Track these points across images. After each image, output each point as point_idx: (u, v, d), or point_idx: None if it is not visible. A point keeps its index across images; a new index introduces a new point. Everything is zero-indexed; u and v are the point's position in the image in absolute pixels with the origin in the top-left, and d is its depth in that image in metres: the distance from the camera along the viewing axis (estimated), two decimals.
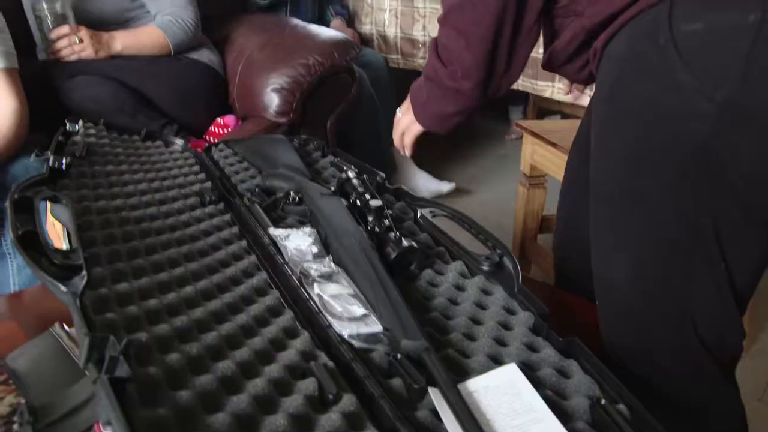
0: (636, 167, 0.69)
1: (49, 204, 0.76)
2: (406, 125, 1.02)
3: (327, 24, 2.36)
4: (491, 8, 0.79)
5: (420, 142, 1.06)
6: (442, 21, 0.87)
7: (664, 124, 0.64)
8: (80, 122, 1.04)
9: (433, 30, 2.16)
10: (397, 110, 1.06)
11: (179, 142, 1.22)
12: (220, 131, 1.69)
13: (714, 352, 0.72)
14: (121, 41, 1.63)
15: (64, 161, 0.84)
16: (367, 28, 2.42)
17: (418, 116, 0.98)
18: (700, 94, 0.59)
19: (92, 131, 1.07)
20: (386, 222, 0.83)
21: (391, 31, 2.32)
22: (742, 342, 0.74)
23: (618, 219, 0.73)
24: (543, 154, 1.63)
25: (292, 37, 1.77)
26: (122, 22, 1.72)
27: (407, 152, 1.07)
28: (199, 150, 1.23)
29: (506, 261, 0.80)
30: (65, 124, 1.01)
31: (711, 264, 0.67)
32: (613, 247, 0.75)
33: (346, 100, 1.78)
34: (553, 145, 1.55)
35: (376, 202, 0.87)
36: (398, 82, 2.37)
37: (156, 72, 1.65)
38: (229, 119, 1.70)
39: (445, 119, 0.95)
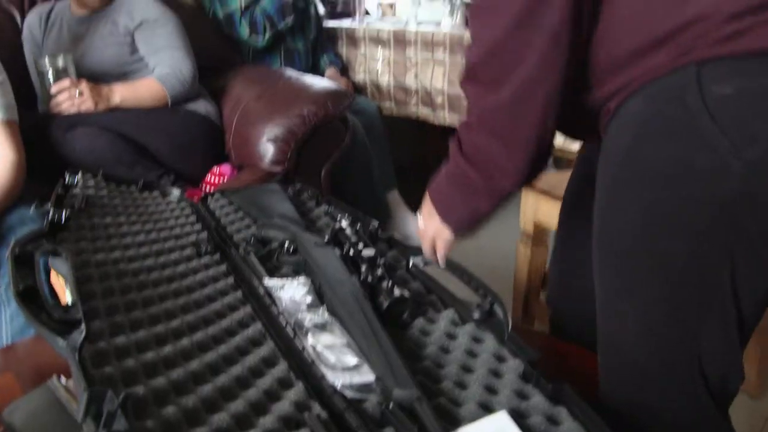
0: (658, 226, 0.68)
1: (48, 258, 0.78)
2: (434, 233, 0.89)
3: (321, 73, 2.41)
4: (539, 106, 0.71)
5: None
6: (472, 125, 0.78)
7: (693, 183, 0.65)
8: (79, 174, 1.07)
9: (425, 78, 2.22)
10: (418, 217, 0.94)
11: (176, 191, 1.24)
12: (217, 180, 1.72)
13: (717, 394, 0.73)
14: (120, 94, 1.67)
15: (63, 214, 0.86)
16: (360, 76, 2.48)
17: (448, 222, 0.87)
18: (731, 153, 0.61)
19: (91, 183, 1.10)
20: (379, 271, 0.85)
21: (384, 80, 2.37)
22: (741, 381, 0.74)
23: (631, 276, 0.73)
24: (549, 210, 1.54)
25: (287, 87, 1.81)
26: (121, 74, 1.76)
27: (442, 263, 0.92)
28: (195, 199, 1.26)
29: (497, 309, 0.81)
30: (65, 177, 1.04)
31: (725, 314, 0.68)
32: (622, 302, 0.75)
33: (339, 149, 1.82)
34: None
35: (368, 252, 0.89)
36: (391, 129, 2.42)
37: (154, 123, 1.68)
38: (225, 168, 1.74)
39: (479, 218, 0.84)
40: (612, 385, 0.79)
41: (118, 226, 0.95)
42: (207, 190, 1.72)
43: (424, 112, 2.23)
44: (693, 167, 0.64)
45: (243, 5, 2.18)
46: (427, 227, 0.90)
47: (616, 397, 0.78)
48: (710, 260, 0.67)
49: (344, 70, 2.51)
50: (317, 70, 2.42)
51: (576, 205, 1.00)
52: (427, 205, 0.89)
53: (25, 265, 0.71)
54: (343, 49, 2.54)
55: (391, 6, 2.82)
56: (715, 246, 0.66)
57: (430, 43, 2.17)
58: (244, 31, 2.18)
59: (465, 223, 0.86)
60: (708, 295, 0.68)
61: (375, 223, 1.08)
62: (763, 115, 0.60)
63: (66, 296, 0.82)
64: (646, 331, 0.73)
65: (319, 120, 1.69)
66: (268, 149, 1.69)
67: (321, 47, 2.49)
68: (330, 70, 2.43)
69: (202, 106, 1.82)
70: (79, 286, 0.70)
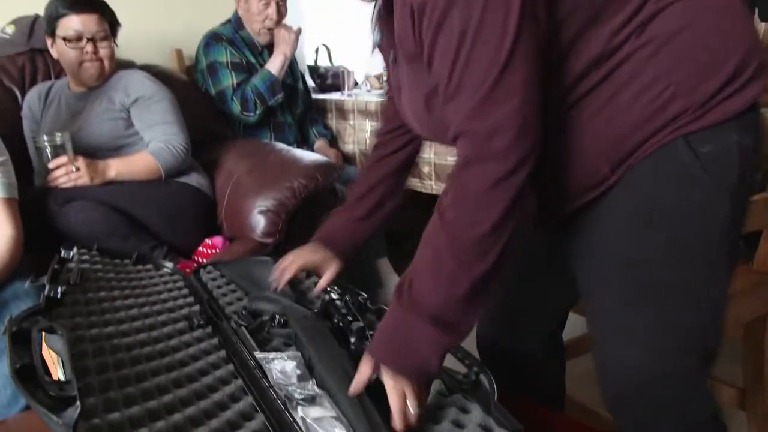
0: (679, 259, 0.83)
1: (44, 334, 0.79)
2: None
3: (311, 145, 2.48)
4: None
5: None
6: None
7: (700, 217, 0.82)
8: (75, 249, 1.10)
9: None
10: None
11: (169, 265, 1.27)
12: (209, 251, 1.75)
13: (706, 369, 0.90)
14: (116, 168, 1.72)
15: (59, 290, 0.88)
16: (349, 147, 2.55)
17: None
18: (719, 187, 0.81)
19: (86, 257, 1.12)
20: (367, 343, 0.87)
21: None
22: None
23: (648, 308, 0.85)
24: None
25: (278, 161, 1.87)
26: (117, 148, 1.82)
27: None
28: (188, 271, 1.28)
29: (483, 379, 0.84)
30: (60, 252, 1.06)
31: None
32: (634, 335, 0.85)
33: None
34: None
35: (357, 324, 0.91)
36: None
37: (147, 196, 1.72)
38: (217, 240, 1.77)
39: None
40: (618, 410, 0.90)
41: (113, 300, 0.97)
42: (199, 262, 1.74)
43: (411, 181, 2.29)
44: (697, 204, 0.82)
45: (234, 83, 2.25)
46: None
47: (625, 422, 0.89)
48: (716, 272, 0.85)
49: (334, 141, 2.59)
50: (307, 142, 2.49)
51: (524, 275, 1.08)
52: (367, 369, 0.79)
53: (21, 342, 0.73)
54: (333, 121, 2.62)
55: (378, 78, 2.92)
56: (718, 261, 0.84)
57: None
58: (236, 107, 2.25)
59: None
60: (710, 301, 0.85)
61: (364, 295, 1.10)
62: (736, 159, 0.81)
63: (57, 370, 0.83)
64: (659, 361, 0.84)
65: (309, 192, 1.74)
66: (259, 221, 1.73)
67: (310, 120, 2.57)
68: (319, 142, 2.49)
69: (194, 179, 1.86)
70: (74, 362, 0.72)
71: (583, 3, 0.77)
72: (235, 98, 2.24)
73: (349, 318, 0.93)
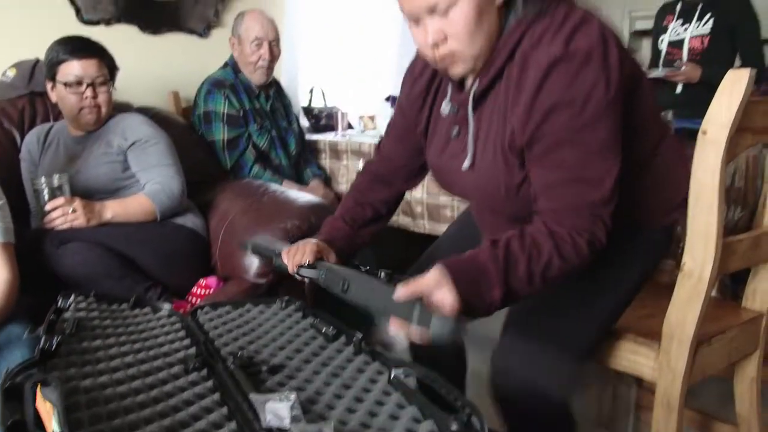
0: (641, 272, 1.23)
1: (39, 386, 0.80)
2: (439, 298, 0.94)
3: (306, 184, 2.51)
4: None
5: None
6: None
7: (656, 254, 1.26)
8: (72, 297, 1.11)
9: None
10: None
11: (166, 306, 1.28)
12: (203, 292, 1.76)
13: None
14: (112, 210, 1.74)
15: (54, 341, 0.89)
16: (343, 186, 2.58)
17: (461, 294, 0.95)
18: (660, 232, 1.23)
19: (83, 305, 1.13)
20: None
21: None
22: None
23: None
24: None
25: (272, 202, 1.89)
26: (114, 190, 1.84)
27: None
28: (184, 311, 1.30)
29: (474, 420, 0.84)
30: (57, 300, 1.07)
31: None
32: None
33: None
34: None
35: (386, 271, 1.05)
36: (374, 235, 2.48)
37: (142, 237, 1.74)
38: (211, 281, 1.78)
39: (486, 307, 0.99)
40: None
41: (108, 348, 0.98)
42: (194, 302, 1.75)
43: (404, 221, 2.31)
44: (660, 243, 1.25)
45: (226, 138, 2.31)
46: (433, 293, 0.95)
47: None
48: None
49: (328, 180, 2.62)
50: (302, 182, 2.52)
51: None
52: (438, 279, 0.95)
53: (14, 397, 0.73)
54: (327, 161, 2.66)
55: (372, 118, 2.97)
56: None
57: None
58: (226, 162, 2.31)
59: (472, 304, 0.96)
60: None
61: (359, 335, 1.12)
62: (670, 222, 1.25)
63: (53, 422, 0.83)
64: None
65: (303, 233, 1.75)
66: (253, 262, 1.74)
67: (304, 160, 2.61)
68: (314, 182, 2.52)
69: (189, 220, 1.88)
70: (68, 415, 0.73)
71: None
72: (227, 154, 2.28)
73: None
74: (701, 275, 1.18)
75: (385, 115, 2.63)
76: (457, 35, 1.00)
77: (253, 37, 2.34)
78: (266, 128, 2.41)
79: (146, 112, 2.23)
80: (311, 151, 2.68)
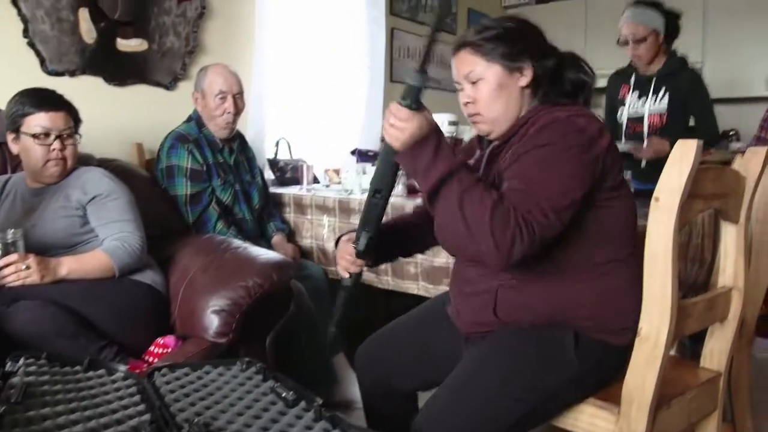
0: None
1: None
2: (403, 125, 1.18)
3: (269, 239, 2.48)
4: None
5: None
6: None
7: (604, 373, 1.34)
8: (22, 360, 1.07)
9: None
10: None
11: (122, 368, 1.24)
12: (160, 351, 1.71)
13: None
14: (68, 266, 1.70)
15: None
16: (307, 241, 2.58)
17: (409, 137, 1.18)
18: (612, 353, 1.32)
19: (33, 368, 1.09)
20: None
21: (330, 245, 2.47)
22: None
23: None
24: None
25: (233, 259, 1.87)
26: (71, 246, 1.80)
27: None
28: (140, 372, 1.26)
29: None
30: (4, 365, 1.03)
31: None
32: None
33: (284, 317, 1.85)
34: None
35: None
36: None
37: (98, 294, 1.69)
38: (169, 340, 1.73)
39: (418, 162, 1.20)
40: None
41: (57, 416, 0.94)
42: (151, 362, 1.70)
43: (368, 276, 2.31)
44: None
45: (188, 193, 2.28)
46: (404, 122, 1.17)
47: None
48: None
49: (291, 235, 2.61)
50: (265, 237, 2.50)
51: None
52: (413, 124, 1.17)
53: None
54: (291, 215, 2.65)
55: (337, 172, 2.99)
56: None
57: None
58: (188, 218, 2.27)
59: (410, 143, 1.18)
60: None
61: (319, 401, 1.10)
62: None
63: None
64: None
65: (265, 291, 1.74)
66: (212, 321, 1.70)
67: (268, 214, 2.59)
68: (277, 237, 2.50)
69: (148, 276, 1.84)
70: None
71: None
72: (189, 209, 2.26)
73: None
74: (657, 339, 1.20)
75: (350, 169, 2.65)
76: (480, 101, 1.32)
77: (217, 90, 2.34)
78: (230, 182, 2.39)
79: (108, 163, 2.21)
80: (275, 204, 2.68)
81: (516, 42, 1.30)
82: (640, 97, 2.72)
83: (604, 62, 2.95)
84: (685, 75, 2.64)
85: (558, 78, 1.33)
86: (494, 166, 1.33)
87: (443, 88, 4.31)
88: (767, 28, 4.06)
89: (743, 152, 1.46)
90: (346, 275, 1.41)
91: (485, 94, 1.31)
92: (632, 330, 1.25)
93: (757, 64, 4.11)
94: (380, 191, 1.25)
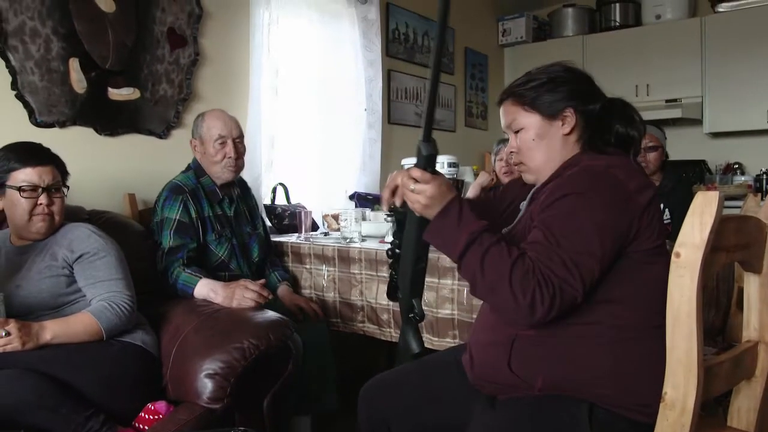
0: None
1: None
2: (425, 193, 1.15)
3: (273, 290, 2.35)
4: None
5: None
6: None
7: None
8: None
9: (370, 295, 2.23)
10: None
11: None
12: (151, 418, 1.61)
13: None
14: (52, 331, 1.60)
15: None
16: (306, 291, 2.48)
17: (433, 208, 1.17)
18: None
19: None
20: None
21: (330, 296, 2.38)
22: None
23: None
24: None
25: (227, 318, 1.77)
26: (56, 307, 1.72)
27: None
28: None
29: None
30: None
31: None
32: None
33: (282, 377, 1.75)
34: None
35: None
36: (338, 339, 2.37)
37: (85, 359, 1.60)
38: (160, 406, 1.63)
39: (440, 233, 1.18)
40: None
41: None
42: (141, 429, 1.60)
43: (370, 328, 2.22)
44: None
45: (170, 245, 2.12)
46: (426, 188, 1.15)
47: None
48: None
49: (292, 285, 2.49)
50: (270, 286, 2.37)
51: None
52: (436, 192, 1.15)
53: None
54: (289, 264, 2.56)
55: (336, 218, 2.90)
56: None
57: (374, 261, 2.22)
58: (159, 266, 2.11)
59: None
60: None
61: None
62: None
63: None
64: None
65: (261, 353, 1.64)
66: (206, 386, 1.60)
67: (271, 263, 2.48)
68: (282, 288, 2.39)
69: (138, 337, 1.75)
70: None
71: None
72: (163, 259, 2.11)
73: None
74: (684, 406, 1.10)
75: (349, 216, 2.56)
76: (521, 150, 1.34)
77: (216, 135, 2.25)
78: (226, 237, 2.27)
79: (100, 215, 2.15)
80: (277, 253, 2.58)
81: (558, 89, 1.30)
82: None
83: None
84: (677, 192, 2.70)
85: (604, 126, 1.32)
86: (532, 207, 1.30)
87: (443, 129, 4.29)
88: (765, 62, 4.05)
89: (750, 184, 1.41)
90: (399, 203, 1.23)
91: (526, 143, 1.32)
92: (655, 409, 1.14)
93: (758, 98, 4.08)
94: (422, 257, 1.22)
